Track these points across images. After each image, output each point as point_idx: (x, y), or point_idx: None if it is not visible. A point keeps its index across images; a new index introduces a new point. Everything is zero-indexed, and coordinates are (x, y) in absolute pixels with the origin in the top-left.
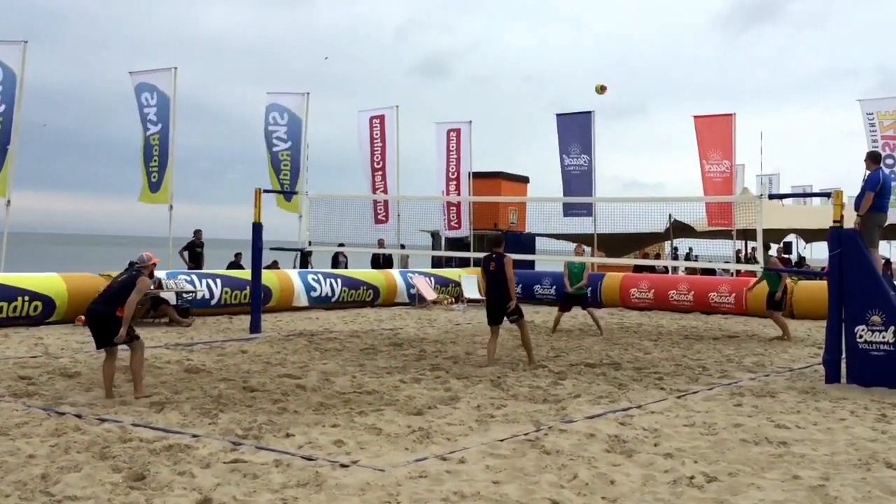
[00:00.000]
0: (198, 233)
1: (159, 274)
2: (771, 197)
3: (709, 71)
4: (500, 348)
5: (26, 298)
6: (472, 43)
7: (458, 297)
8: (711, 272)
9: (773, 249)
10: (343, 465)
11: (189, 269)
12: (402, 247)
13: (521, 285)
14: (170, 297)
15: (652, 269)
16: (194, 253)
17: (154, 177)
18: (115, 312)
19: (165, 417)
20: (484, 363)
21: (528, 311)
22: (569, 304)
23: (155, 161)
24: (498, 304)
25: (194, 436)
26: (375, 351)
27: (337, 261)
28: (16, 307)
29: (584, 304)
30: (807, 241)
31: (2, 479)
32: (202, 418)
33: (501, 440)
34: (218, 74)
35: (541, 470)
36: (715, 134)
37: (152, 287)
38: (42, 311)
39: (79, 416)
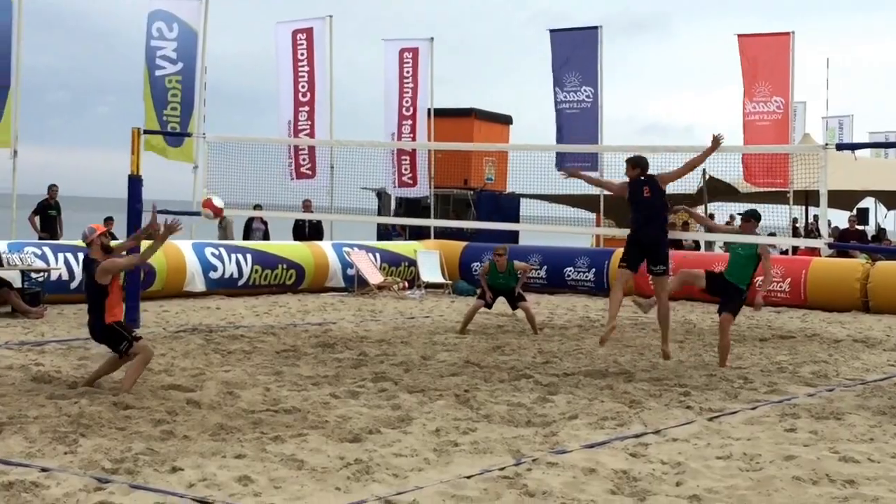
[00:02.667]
0: (52, 189)
1: None
2: (839, 147)
3: None
4: (468, 350)
5: None
6: None
7: (413, 281)
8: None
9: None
10: None
11: (40, 239)
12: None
13: None
14: (12, 277)
15: (679, 243)
16: (47, 217)
17: None
18: (104, 324)
19: (4, 444)
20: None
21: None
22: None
23: None
24: (649, 245)
25: (44, 469)
26: (298, 354)
27: (251, 229)
28: None
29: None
30: (889, 208)
31: None
32: (56, 445)
33: (468, 477)
34: None
35: None
36: (765, 61)
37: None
38: None
39: None
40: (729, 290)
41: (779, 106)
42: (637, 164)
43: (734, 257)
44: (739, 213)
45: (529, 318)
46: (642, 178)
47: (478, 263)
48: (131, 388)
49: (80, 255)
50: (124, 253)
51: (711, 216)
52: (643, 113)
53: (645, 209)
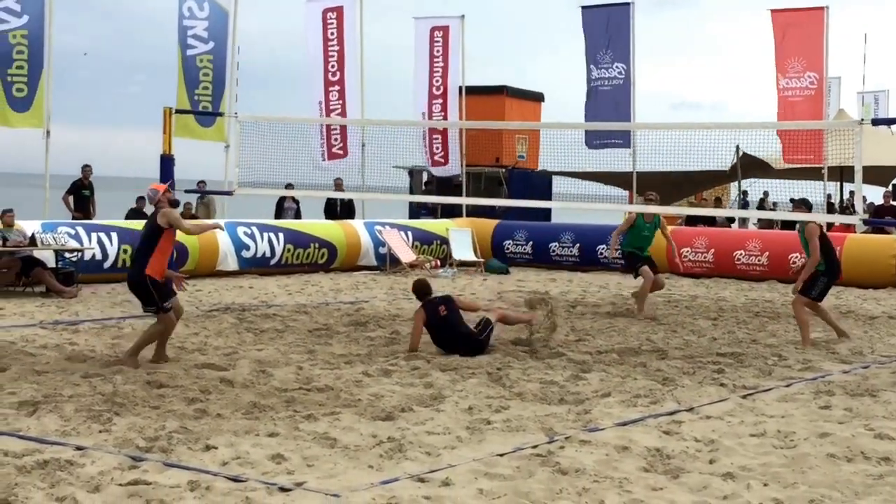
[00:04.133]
0: (86, 170)
1: (32, 226)
2: (875, 122)
3: None
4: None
5: None
6: None
7: (445, 259)
8: (793, 225)
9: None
10: (283, 489)
11: (74, 219)
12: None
13: (531, 242)
14: (46, 257)
15: (711, 220)
16: (81, 197)
17: (20, 90)
18: (143, 274)
19: (40, 423)
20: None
21: (542, 278)
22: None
23: (21, 68)
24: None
25: (79, 448)
26: (330, 332)
27: (283, 208)
28: None
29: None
30: None
31: None
32: (90, 424)
33: (501, 455)
34: None
35: (554, 496)
36: (798, 36)
37: (24, 240)
38: None
39: None
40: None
41: (812, 81)
42: None
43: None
44: (793, 199)
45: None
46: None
47: (510, 241)
48: (136, 353)
49: (114, 235)
50: None
51: (745, 193)
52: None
53: None
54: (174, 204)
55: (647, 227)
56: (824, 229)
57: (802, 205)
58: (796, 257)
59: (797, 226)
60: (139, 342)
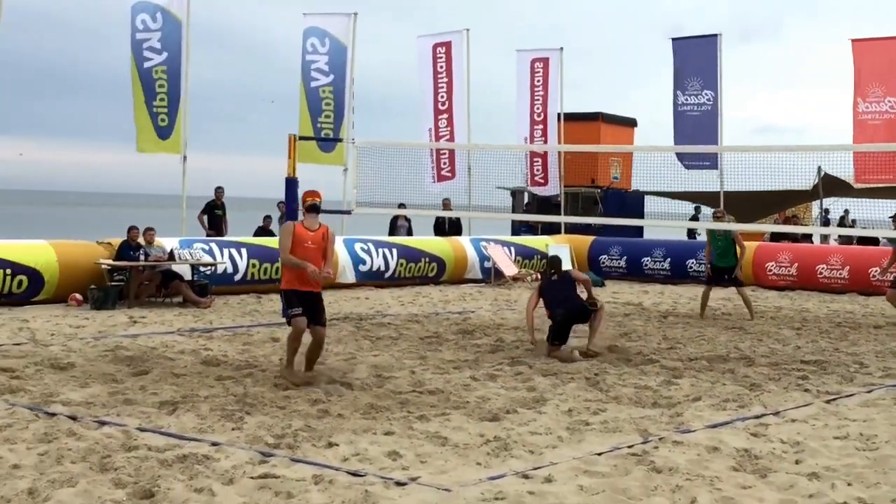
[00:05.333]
0: (219, 191)
1: (171, 243)
2: None
3: None
4: (599, 338)
5: (8, 272)
6: None
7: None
8: (874, 241)
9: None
10: (399, 483)
11: (207, 236)
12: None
13: (625, 257)
14: (184, 271)
15: (794, 237)
16: (214, 216)
17: (162, 120)
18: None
19: (179, 421)
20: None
21: (636, 290)
22: (720, 279)
23: (162, 100)
24: (569, 314)
25: (214, 444)
26: (440, 340)
27: (396, 226)
28: None
29: (735, 279)
30: None
31: None
32: (224, 422)
33: (599, 454)
34: None
35: (649, 492)
36: (878, 63)
37: (164, 255)
38: (27, 287)
39: (73, 418)
40: None
41: (892, 106)
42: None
43: None
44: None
45: (746, 301)
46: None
47: (605, 255)
48: (290, 364)
49: (244, 251)
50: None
51: (827, 211)
52: (758, 114)
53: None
54: (312, 209)
55: (719, 240)
56: None
57: None
58: (875, 271)
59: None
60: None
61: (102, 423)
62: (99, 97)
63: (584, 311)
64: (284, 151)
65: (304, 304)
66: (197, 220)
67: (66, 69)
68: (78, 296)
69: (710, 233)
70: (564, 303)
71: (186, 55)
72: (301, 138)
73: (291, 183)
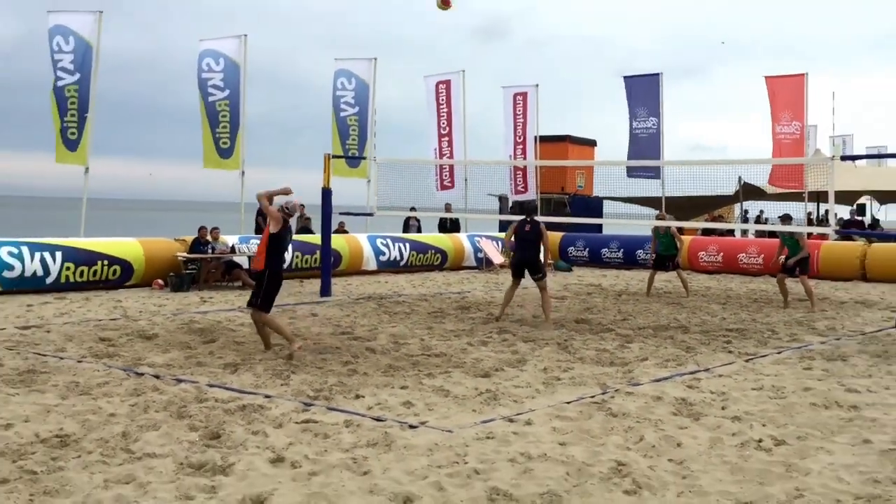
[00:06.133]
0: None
1: (232, 239)
2: (843, 158)
3: (777, 29)
4: (567, 311)
5: (105, 263)
6: (530, 4)
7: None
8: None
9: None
10: (412, 426)
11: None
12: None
13: (588, 248)
14: (243, 261)
15: (721, 232)
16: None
17: (224, 143)
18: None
19: (239, 379)
20: (500, 314)
21: (596, 274)
22: (662, 265)
23: (224, 127)
24: (524, 260)
25: (267, 396)
26: (443, 314)
27: (408, 225)
28: (95, 271)
29: (676, 265)
30: (881, 203)
31: (85, 437)
32: (275, 380)
33: (568, 402)
34: (286, 40)
35: (607, 432)
36: (786, 95)
37: (227, 249)
38: (120, 274)
39: (157, 377)
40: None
41: (797, 128)
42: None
43: (790, 245)
44: (780, 215)
45: (683, 282)
46: (528, 219)
47: (572, 247)
48: (291, 338)
49: (290, 246)
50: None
51: (746, 211)
52: (689, 136)
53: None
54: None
55: (662, 236)
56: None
57: (788, 218)
58: (783, 258)
59: (785, 233)
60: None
61: (179, 381)
62: (176, 125)
63: (534, 265)
64: (321, 167)
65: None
66: (254, 221)
67: (148, 103)
68: (160, 281)
69: (655, 230)
70: (524, 250)
71: (244, 91)
72: (333, 157)
73: (326, 192)
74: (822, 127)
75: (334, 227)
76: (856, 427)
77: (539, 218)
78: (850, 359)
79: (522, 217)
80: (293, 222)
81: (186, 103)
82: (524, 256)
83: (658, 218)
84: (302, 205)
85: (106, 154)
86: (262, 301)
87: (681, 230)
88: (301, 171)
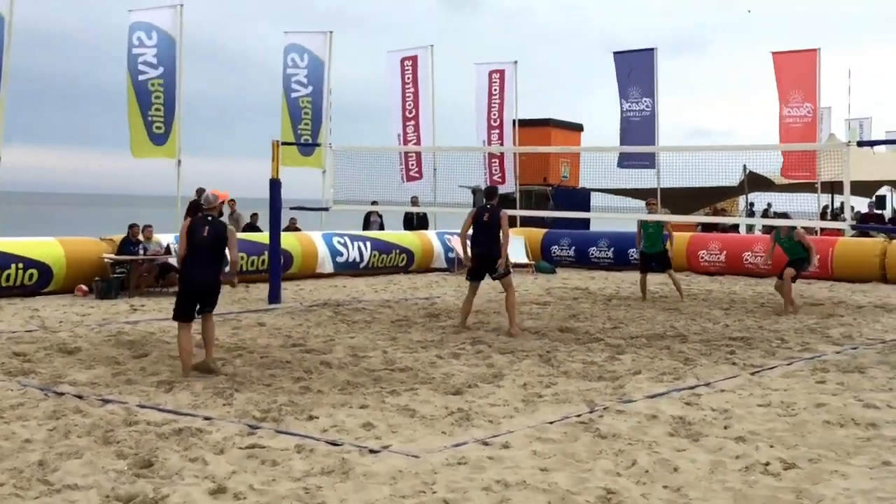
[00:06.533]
0: (200, 192)
1: (167, 238)
2: (860, 144)
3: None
4: (549, 318)
5: (20, 266)
6: None
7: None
8: None
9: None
10: (372, 451)
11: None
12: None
13: (574, 247)
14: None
15: (723, 228)
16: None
17: (158, 127)
18: (219, 280)
19: (175, 398)
20: (459, 327)
21: (583, 276)
22: (649, 265)
23: (158, 110)
24: (484, 257)
25: (207, 418)
26: (409, 323)
27: (369, 221)
28: (9, 276)
29: (665, 264)
30: None
31: None
32: (215, 399)
33: (550, 422)
34: (229, 11)
35: (595, 456)
36: (796, 73)
37: (161, 249)
38: (38, 280)
39: (79, 397)
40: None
41: (808, 111)
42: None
43: (786, 246)
44: (775, 212)
45: (675, 283)
46: (487, 205)
47: (556, 246)
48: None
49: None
50: None
51: (752, 204)
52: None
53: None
54: (220, 214)
55: (650, 227)
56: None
57: (784, 217)
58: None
59: (778, 232)
60: (210, 342)
61: (106, 401)
62: (97, 108)
63: (493, 265)
64: (269, 155)
65: None
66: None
67: (67, 83)
68: (84, 287)
69: (641, 223)
70: (481, 245)
71: (180, 69)
72: (283, 143)
73: (275, 184)
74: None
75: (285, 223)
76: (874, 448)
77: (519, 212)
78: (868, 370)
79: (484, 204)
80: (227, 220)
81: (114, 83)
82: (482, 252)
83: (648, 204)
84: (232, 200)
85: (20, 142)
86: (175, 310)
87: (678, 226)
88: (246, 160)
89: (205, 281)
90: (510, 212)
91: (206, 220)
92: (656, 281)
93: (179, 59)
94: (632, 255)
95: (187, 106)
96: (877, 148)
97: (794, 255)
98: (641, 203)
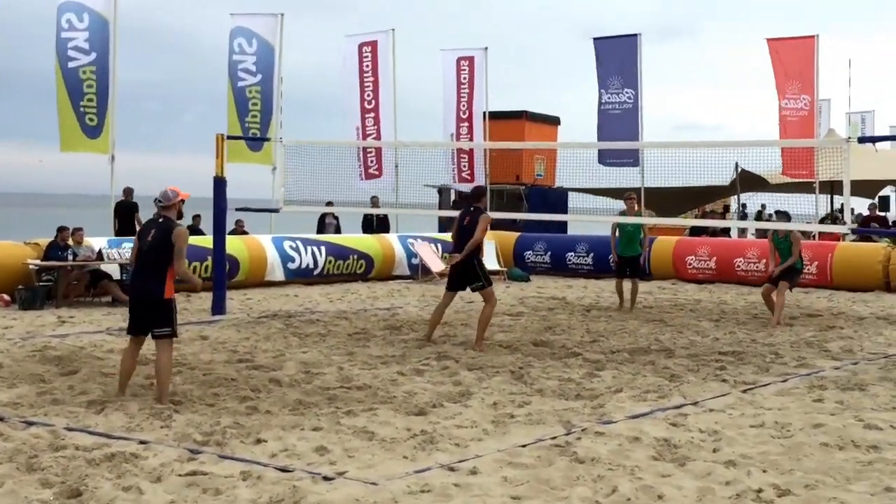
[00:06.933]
0: (128, 192)
1: (99, 242)
2: (861, 140)
3: None
4: (522, 331)
5: None
6: None
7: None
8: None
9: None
10: (326, 478)
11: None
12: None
13: (549, 253)
14: (112, 270)
15: (712, 231)
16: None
17: (90, 119)
18: (164, 290)
19: (107, 420)
20: (425, 340)
21: (560, 285)
22: (625, 271)
23: (91, 100)
24: (459, 264)
25: (142, 442)
26: (368, 336)
27: (324, 224)
28: None
29: (635, 270)
30: None
31: None
32: (152, 420)
33: (523, 446)
34: None
35: (572, 482)
36: (793, 61)
37: (93, 254)
38: None
39: (0, 419)
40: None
41: (806, 104)
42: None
43: (783, 248)
44: (776, 210)
45: (634, 292)
46: (471, 208)
47: (530, 251)
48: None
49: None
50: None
51: (744, 206)
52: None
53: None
54: (179, 215)
55: (627, 225)
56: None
57: (785, 216)
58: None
59: (776, 232)
60: (165, 377)
61: (30, 424)
62: (22, 97)
63: (467, 278)
64: (213, 150)
65: None
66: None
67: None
68: (5, 296)
69: (616, 225)
70: (459, 250)
71: (114, 55)
72: (229, 137)
73: (220, 183)
74: (837, 101)
75: (230, 226)
76: (876, 472)
77: (490, 214)
78: (869, 388)
79: (462, 209)
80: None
81: (40, 70)
82: (457, 266)
83: (627, 199)
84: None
85: None
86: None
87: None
88: (189, 156)
89: (142, 292)
90: None
91: (155, 222)
92: (642, 289)
93: (114, 44)
94: (612, 261)
95: (123, 96)
96: (879, 145)
97: (787, 257)
98: (624, 205)
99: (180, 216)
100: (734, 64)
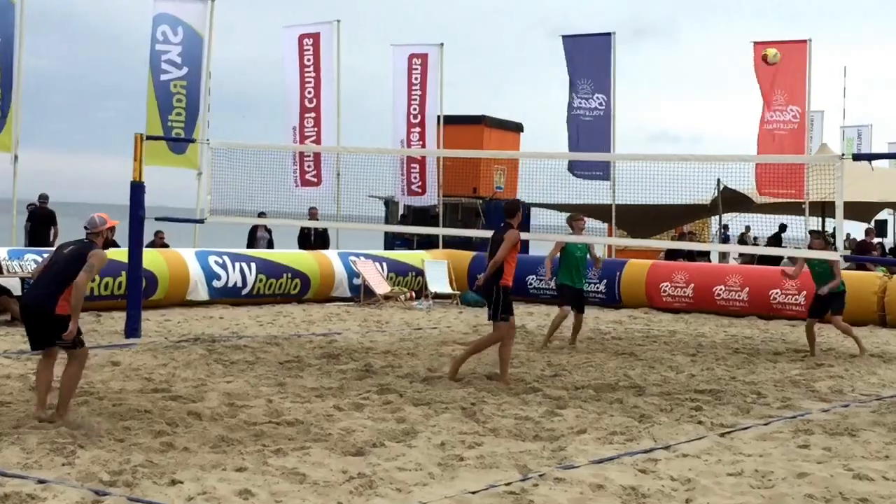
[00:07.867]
0: (44, 199)
1: None
2: (857, 157)
3: None
4: (476, 362)
5: None
6: None
7: (421, 291)
8: (775, 261)
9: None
10: None
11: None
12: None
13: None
14: (12, 285)
15: (691, 255)
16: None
17: None
18: (56, 304)
19: (1, 455)
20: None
21: (520, 311)
22: (573, 301)
23: None
24: (482, 285)
25: (41, 481)
26: (301, 365)
27: (255, 237)
28: None
29: (580, 303)
30: None
31: None
32: (53, 457)
33: (473, 492)
34: None
35: None
36: (781, 69)
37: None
38: None
39: None
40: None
41: (795, 115)
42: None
43: (818, 271)
44: (810, 231)
45: (577, 326)
46: (501, 224)
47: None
48: (69, 410)
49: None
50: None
51: (726, 227)
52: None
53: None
54: (108, 244)
55: (578, 249)
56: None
57: (821, 237)
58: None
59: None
60: (68, 392)
61: None
62: None
63: (489, 293)
64: (130, 152)
65: None
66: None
67: None
68: None
69: (567, 246)
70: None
71: (20, 42)
72: (149, 138)
73: (137, 188)
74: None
75: (148, 237)
76: None
77: (443, 230)
78: (860, 433)
79: (497, 224)
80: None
81: None
82: (481, 286)
83: (574, 221)
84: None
85: None
86: None
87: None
88: (103, 157)
89: (33, 304)
90: (430, 230)
91: (80, 241)
92: (608, 319)
93: (19, 29)
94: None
95: (29, 88)
96: (877, 163)
97: (822, 282)
98: (594, 223)
99: (107, 244)
100: (716, 69)
